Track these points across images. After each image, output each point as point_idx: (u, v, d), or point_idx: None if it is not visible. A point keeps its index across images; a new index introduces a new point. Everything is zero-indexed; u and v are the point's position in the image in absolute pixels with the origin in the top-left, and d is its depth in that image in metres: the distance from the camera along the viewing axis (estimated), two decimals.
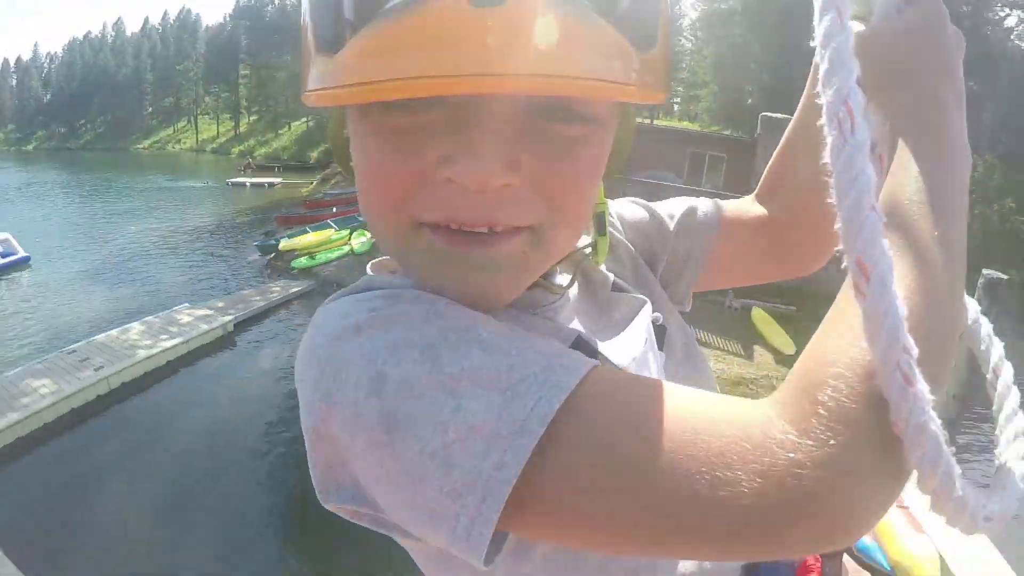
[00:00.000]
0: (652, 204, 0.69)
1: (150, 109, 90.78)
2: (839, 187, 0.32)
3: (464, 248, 0.40)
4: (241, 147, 64.14)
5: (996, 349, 0.46)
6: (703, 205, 0.68)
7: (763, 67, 25.69)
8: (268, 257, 17.74)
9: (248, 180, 36.15)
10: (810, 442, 0.30)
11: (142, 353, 10.72)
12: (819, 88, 0.33)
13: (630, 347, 0.54)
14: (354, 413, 0.36)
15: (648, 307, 0.58)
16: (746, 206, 0.69)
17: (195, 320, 12.31)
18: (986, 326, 0.47)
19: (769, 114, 15.42)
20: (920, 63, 0.42)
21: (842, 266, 0.33)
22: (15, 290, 15.65)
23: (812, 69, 0.51)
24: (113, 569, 4.33)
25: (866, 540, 7.01)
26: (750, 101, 26.02)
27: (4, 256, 16.87)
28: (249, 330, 12.50)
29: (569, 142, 0.39)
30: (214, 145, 72.86)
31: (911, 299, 0.31)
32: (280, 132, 65.09)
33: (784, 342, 11.52)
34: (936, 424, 0.29)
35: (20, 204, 28.38)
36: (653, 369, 0.55)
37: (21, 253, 17.51)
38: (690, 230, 0.67)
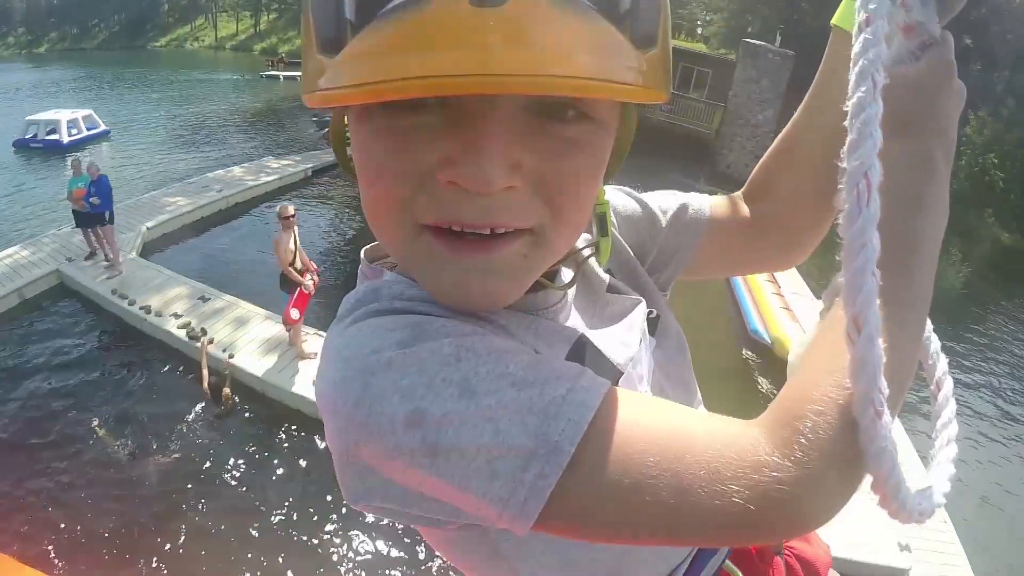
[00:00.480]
0: (643, 196, 0.70)
1: (166, 6, 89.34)
2: (848, 251, 0.36)
3: (465, 255, 0.40)
4: (263, 44, 63.59)
5: (941, 364, 0.50)
6: (694, 202, 0.69)
7: (768, 1, 27.25)
8: (324, 130, 20.21)
9: (281, 73, 37.55)
10: (790, 464, 0.36)
11: (249, 182, 13.77)
12: (843, 153, 0.37)
13: (626, 347, 0.57)
14: (395, 443, 0.38)
15: (643, 306, 0.62)
16: (734, 205, 0.70)
17: (282, 166, 15.26)
18: (935, 343, 0.51)
19: (748, 40, 18.01)
20: (919, 119, 0.44)
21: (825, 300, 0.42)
22: (109, 154, 17.69)
23: (813, 86, 0.59)
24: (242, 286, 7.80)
25: (759, 327, 9.09)
26: (750, 29, 27.50)
27: (89, 128, 18.68)
28: (324, 176, 15.44)
29: (570, 143, 0.39)
30: (234, 43, 71.83)
31: (886, 350, 0.35)
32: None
33: None
34: (893, 446, 0.36)
35: (64, 96, 27.91)
36: (646, 365, 0.59)
37: (103, 127, 19.32)
38: (680, 227, 0.68)
